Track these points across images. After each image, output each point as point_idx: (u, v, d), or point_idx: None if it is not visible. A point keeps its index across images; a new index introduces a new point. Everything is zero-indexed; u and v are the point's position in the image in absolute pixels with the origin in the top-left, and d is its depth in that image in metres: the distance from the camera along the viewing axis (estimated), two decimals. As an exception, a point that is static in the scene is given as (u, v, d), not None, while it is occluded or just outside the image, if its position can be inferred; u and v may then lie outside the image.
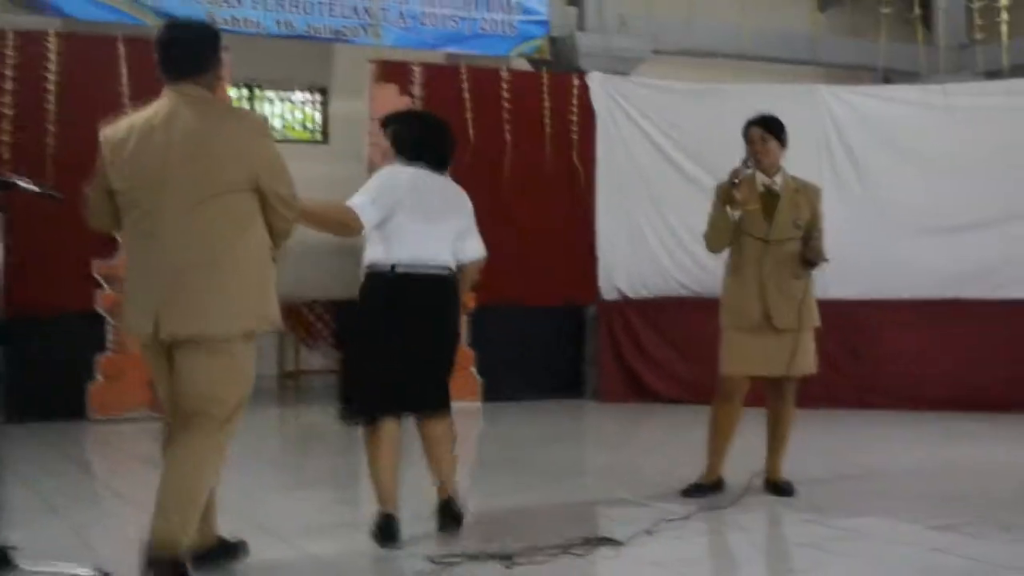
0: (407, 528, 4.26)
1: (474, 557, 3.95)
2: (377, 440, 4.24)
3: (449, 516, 4.46)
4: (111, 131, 3.62)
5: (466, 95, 9.04)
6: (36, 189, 3.88)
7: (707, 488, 5.18)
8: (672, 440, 7.33)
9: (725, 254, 5.25)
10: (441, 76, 9.08)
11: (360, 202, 4.20)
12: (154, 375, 3.73)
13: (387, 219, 4.22)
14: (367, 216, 4.18)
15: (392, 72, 8.85)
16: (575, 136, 9.43)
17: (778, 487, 5.21)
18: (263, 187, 3.56)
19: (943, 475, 5.93)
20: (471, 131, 8.90)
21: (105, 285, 7.96)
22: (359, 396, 4.28)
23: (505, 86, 9.23)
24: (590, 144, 9.44)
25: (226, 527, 3.94)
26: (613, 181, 9.44)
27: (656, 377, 9.06)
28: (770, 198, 5.13)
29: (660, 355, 9.10)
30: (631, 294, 9.41)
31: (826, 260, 5.10)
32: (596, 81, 9.50)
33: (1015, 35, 10.35)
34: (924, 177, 9.00)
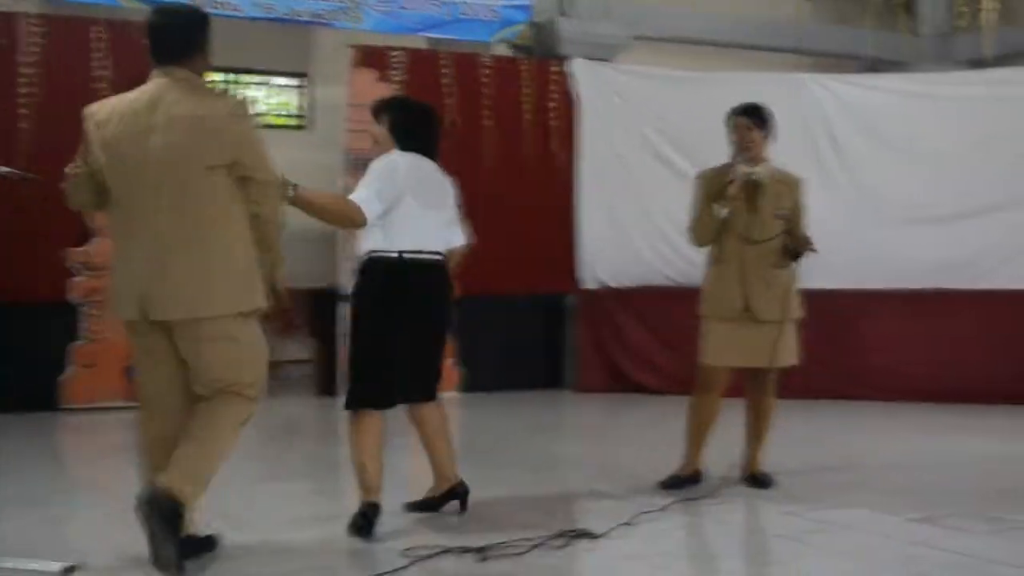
0: (382, 521, 4.22)
1: (448, 550, 3.92)
2: (365, 428, 4.25)
3: (464, 502, 4.59)
4: (95, 107, 3.68)
5: (446, 81, 8.96)
6: (13, 172, 3.86)
7: (685, 480, 5.14)
8: (651, 431, 7.28)
9: (708, 242, 5.21)
10: (421, 62, 8.99)
11: (365, 196, 4.19)
12: (138, 360, 3.76)
13: (390, 208, 4.22)
14: (372, 210, 4.18)
15: (372, 57, 8.76)
16: (555, 123, 9.35)
17: (757, 479, 5.19)
18: (242, 170, 3.58)
19: (924, 467, 5.91)
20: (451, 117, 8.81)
21: (79, 274, 7.84)
22: (372, 383, 4.25)
23: (486, 72, 9.15)
24: (571, 131, 9.35)
25: (201, 518, 3.88)
26: (595, 168, 9.34)
27: (637, 367, 8.98)
28: (753, 189, 5.08)
29: (641, 345, 9.02)
30: (612, 283, 9.32)
31: (815, 250, 5.04)
32: (579, 67, 9.42)
33: (999, 24, 10.32)
34: (908, 166, 8.98)
